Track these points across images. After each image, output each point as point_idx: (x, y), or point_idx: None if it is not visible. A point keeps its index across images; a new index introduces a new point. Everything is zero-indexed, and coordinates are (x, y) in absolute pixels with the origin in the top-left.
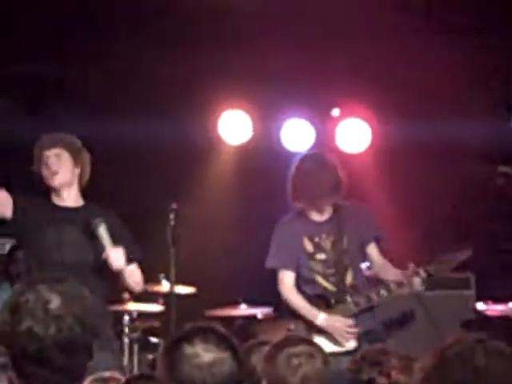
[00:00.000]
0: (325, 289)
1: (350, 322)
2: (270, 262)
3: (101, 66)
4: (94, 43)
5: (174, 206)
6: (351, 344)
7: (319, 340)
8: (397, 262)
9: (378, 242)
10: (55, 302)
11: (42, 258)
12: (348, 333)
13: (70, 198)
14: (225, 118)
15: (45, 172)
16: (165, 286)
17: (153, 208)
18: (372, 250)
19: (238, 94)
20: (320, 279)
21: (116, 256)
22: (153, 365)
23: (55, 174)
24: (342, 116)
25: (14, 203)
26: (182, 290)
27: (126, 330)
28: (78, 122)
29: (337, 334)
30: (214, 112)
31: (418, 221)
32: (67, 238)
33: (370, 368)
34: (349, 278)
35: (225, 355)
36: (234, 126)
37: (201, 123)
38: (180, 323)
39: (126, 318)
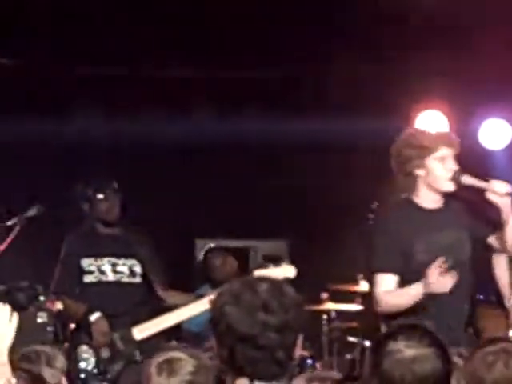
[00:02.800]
0: None
1: None
2: None
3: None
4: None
5: (374, 205)
6: None
7: None
8: None
9: None
10: (263, 287)
11: None
12: None
13: None
14: (422, 118)
15: (441, 171)
16: (363, 286)
17: (356, 207)
18: None
19: (436, 94)
20: None
21: (500, 185)
22: (351, 365)
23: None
24: None
25: None
26: None
27: (325, 329)
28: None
29: None
30: (412, 112)
31: None
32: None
33: None
34: None
35: (427, 352)
36: (431, 126)
37: (398, 123)
38: (378, 323)
39: (325, 317)
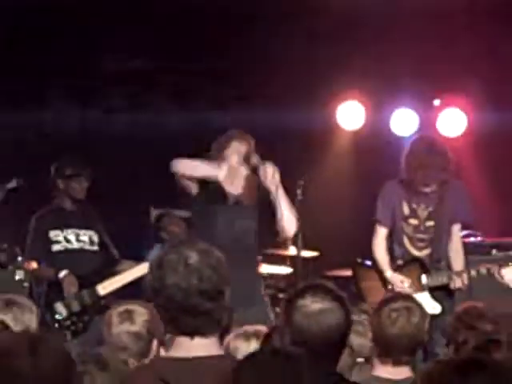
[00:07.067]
0: (408, 252)
1: (405, 285)
2: (376, 215)
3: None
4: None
5: (302, 182)
6: (437, 309)
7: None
8: (492, 235)
9: (465, 227)
10: (194, 258)
11: None
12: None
13: None
14: (342, 108)
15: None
16: (292, 251)
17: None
18: (455, 230)
19: (354, 87)
20: (406, 241)
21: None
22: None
23: None
24: (442, 106)
25: None
26: (307, 253)
27: None
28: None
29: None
30: (334, 103)
31: (509, 196)
32: None
33: (466, 331)
34: (436, 250)
35: (331, 306)
36: (350, 115)
37: (322, 112)
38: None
39: None
